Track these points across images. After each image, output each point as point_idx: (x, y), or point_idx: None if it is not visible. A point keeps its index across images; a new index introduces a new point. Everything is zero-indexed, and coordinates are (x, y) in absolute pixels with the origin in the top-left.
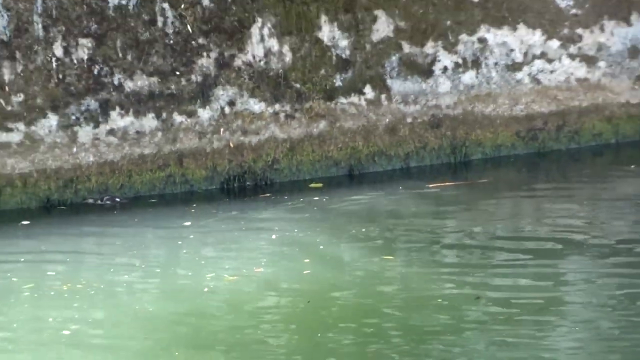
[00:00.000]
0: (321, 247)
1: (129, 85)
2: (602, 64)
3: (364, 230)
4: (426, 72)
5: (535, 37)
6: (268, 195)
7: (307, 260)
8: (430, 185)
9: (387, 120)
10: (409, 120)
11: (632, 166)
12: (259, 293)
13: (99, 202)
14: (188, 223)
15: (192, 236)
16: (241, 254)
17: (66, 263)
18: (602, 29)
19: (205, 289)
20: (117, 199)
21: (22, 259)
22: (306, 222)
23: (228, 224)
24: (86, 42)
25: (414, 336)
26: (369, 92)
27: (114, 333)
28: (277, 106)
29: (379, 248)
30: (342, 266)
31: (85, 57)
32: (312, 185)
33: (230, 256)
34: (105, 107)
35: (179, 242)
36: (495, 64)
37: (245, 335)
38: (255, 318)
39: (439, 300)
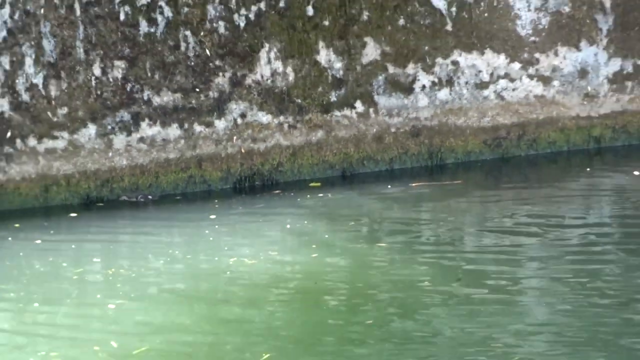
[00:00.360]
0: (326, 235)
1: (156, 100)
2: (556, 83)
3: (360, 222)
4: (407, 89)
5: (500, 61)
6: (277, 192)
7: (314, 246)
8: (413, 185)
9: (375, 130)
10: (393, 130)
11: (588, 169)
12: (273, 274)
13: (134, 199)
14: (213, 216)
15: (216, 226)
16: (259, 241)
17: (108, 250)
18: (556, 54)
19: (228, 272)
20: (150, 197)
21: (73, 246)
22: (312, 214)
23: (248, 217)
24: (120, 64)
25: (401, 310)
26: (359, 106)
27: (152, 308)
28: (281, 118)
29: (373, 236)
30: (343, 252)
31: (120, 76)
32: (312, 184)
33: (250, 243)
34: (137, 119)
35: (207, 232)
36: (466, 83)
37: (261, 308)
38: (270, 294)
39: (423, 281)
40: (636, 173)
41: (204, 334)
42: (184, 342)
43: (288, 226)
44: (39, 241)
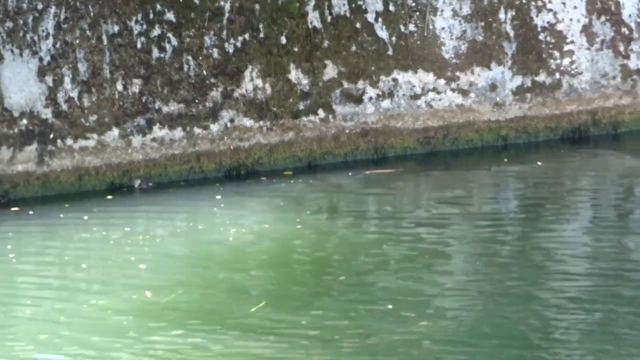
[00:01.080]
0: (307, 212)
1: (165, 109)
2: (472, 95)
3: (327, 201)
4: (358, 100)
5: (429, 78)
6: (264, 179)
7: (298, 220)
8: (367, 172)
9: (333, 131)
10: (347, 131)
11: (505, 160)
12: (265, 241)
13: (136, 186)
14: (219, 197)
15: (222, 205)
16: (254, 216)
17: (136, 223)
18: (472, 72)
19: (231, 238)
20: (150, 184)
21: (112, 219)
22: (297, 194)
23: (245, 196)
24: (137, 81)
25: (356, 271)
26: (321, 113)
27: (176, 267)
28: (261, 122)
29: (335, 211)
30: (319, 225)
31: (137, 91)
32: (286, 173)
33: (247, 217)
34: (150, 124)
35: (214, 209)
36: (403, 95)
37: (249, 267)
38: (259, 257)
39: (370, 249)
40: (539, 163)
41: (216, 287)
42: (198, 294)
43: (273, 204)
44: (86, 217)
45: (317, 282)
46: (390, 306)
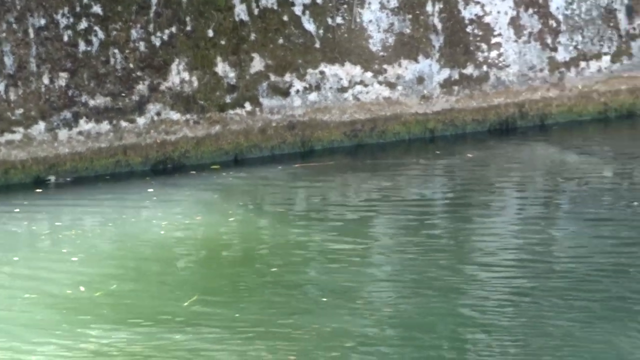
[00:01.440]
0: (238, 206)
1: (91, 102)
2: (399, 87)
3: (256, 194)
4: (285, 93)
5: (356, 71)
6: (193, 172)
7: (230, 212)
8: (296, 165)
9: (260, 124)
10: (274, 124)
11: (438, 152)
12: (197, 235)
13: (52, 181)
14: (151, 190)
15: (154, 198)
16: (186, 209)
17: (66, 217)
18: (400, 65)
19: (162, 232)
20: (67, 179)
21: (42, 212)
22: (225, 187)
23: (176, 190)
24: (64, 75)
25: (286, 263)
26: (248, 106)
27: (107, 261)
28: (188, 116)
29: (262, 205)
30: (249, 218)
31: (64, 85)
32: (213, 167)
33: (179, 211)
34: (76, 117)
35: (146, 202)
36: (330, 87)
37: (181, 261)
38: (191, 251)
39: (300, 242)
40: (470, 155)
41: (149, 281)
42: (131, 287)
43: (203, 198)
44: (17, 210)
45: (249, 275)
46: (324, 299)
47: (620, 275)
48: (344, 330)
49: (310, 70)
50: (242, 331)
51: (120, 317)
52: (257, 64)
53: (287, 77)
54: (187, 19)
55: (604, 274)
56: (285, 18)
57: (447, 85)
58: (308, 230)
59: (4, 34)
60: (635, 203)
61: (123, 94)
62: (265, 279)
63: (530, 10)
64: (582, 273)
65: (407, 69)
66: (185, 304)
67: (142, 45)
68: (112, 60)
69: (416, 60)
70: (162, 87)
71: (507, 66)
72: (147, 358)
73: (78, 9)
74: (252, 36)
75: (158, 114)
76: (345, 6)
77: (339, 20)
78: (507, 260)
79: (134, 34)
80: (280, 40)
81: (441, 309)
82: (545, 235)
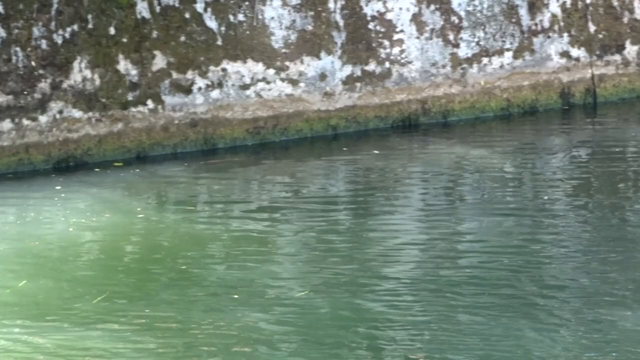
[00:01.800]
0: (146, 200)
1: None
2: (302, 84)
3: (161, 192)
4: (188, 90)
5: (259, 68)
6: (97, 170)
7: (137, 209)
8: (202, 162)
9: (162, 122)
10: (176, 122)
11: (345, 149)
12: (105, 232)
13: None
14: (59, 187)
15: (62, 195)
16: (93, 207)
17: None
18: (302, 62)
19: (70, 229)
20: None
21: None
22: (130, 185)
23: (83, 187)
24: None
25: (194, 261)
26: (150, 104)
27: (5, 258)
28: (90, 114)
29: (173, 204)
30: (157, 216)
31: None
32: (116, 164)
33: (86, 208)
34: None
35: (54, 199)
36: (233, 85)
37: (90, 259)
38: (100, 249)
39: (206, 239)
40: (376, 152)
41: (58, 280)
42: (40, 286)
43: (109, 196)
44: None
45: (158, 272)
46: (235, 295)
47: (526, 269)
48: (254, 326)
49: (212, 68)
50: (152, 328)
51: (29, 314)
52: (159, 61)
53: (189, 74)
54: (89, 16)
55: (510, 268)
56: (187, 15)
57: (349, 82)
58: (214, 228)
59: None
60: (546, 197)
61: (25, 92)
62: (174, 276)
63: (432, 7)
64: (488, 267)
65: (310, 66)
66: (95, 301)
67: (43, 44)
68: (13, 59)
69: (318, 57)
70: (64, 85)
71: (410, 62)
72: (56, 355)
73: None
74: (154, 34)
75: (60, 112)
76: (247, 3)
77: (240, 17)
78: (413, 255)
79: (35, 32)
80: (182, 38)
81: (347, 304)
82: (451, 230)
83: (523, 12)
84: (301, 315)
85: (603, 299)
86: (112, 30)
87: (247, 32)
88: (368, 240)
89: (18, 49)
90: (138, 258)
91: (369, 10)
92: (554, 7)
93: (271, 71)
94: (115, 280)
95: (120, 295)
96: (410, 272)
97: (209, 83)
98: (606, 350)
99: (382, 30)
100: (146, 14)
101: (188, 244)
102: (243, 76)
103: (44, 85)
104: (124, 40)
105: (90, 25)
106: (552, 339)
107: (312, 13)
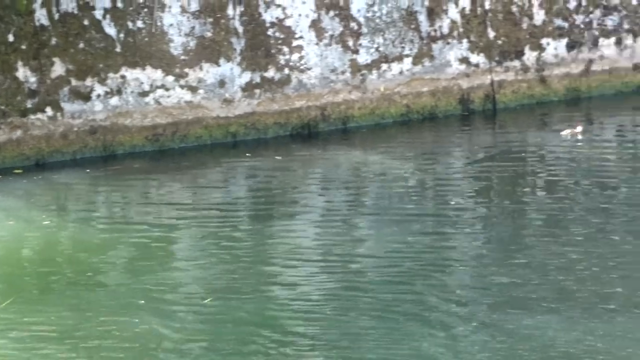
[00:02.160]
0: (48, 207)
1: None
2: (201, 91)
3: (60, 199)
4: (87, 97)
5: (158, 74)
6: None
7: (38, 217)
8: (108, 169)
9: (61, 129)
10: (76, 129)
11: (248, 154)
12: (6, 237)
13: None
14: None
15: None
16: (31, 211)
17: None
18: (201, 69)
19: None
20: None
21: None
22: (30, 193)
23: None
24: None
25: (96, 269)
26: (49, 111)
27: None
28: None
29: (72, 212)
30: (57, 220)
31: None
32: (16, 171)
33: (25, 213)
34: None
35: None
36: (132, 92)
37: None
38: (1, 252)
39: (105, 247)
40: (279, 158)
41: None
42: None
43: (9, 203)
44: None
45: (61, 279)
46: (141, 301)
47: (424, 274)
48: (158, 333)
49: (111, 75)
50: (55, 335)
51: None
52: (58, 68)
53: (89, 81)
54: None
55: (409, 273)
56: (86, 22)
57: (248, 88)
58: (115, 234)
59: None
60: (447, 202)
61: None
62: (77, 282)
63: (332, 13)
64: (387, 273)
65: (209, 73)
66: None
67: None
68: None
69: (217, 64)
70: None
71: (309, 69)
72: None
73: None
74: (53, 41)
75: None
76: (145, 10)
77: (139, 24)
78: (313, 260)
79: None
80: (81, 45)
81: (247, 309)
82: (351, 237)
83: (422, 18)
84: (204, 321)
85: (504, 303)
86: (10, 37)
87: (146, 39)
88: (268, 245)
89: None
90: (41, 265)
91: (268, 16)
92: (453, 13)
93: (170, 78)
94: (18, 287)
95: (23, 303)
96: (310, 277)
97: (108, 90)
98: (501, 355)
99: (282, 36)
100: (45, 21)
101: (90, 251)
102: (142, 83)
103: None
104: (23, 47)
105: None
106: (448, 343)
107: (211, 20)
